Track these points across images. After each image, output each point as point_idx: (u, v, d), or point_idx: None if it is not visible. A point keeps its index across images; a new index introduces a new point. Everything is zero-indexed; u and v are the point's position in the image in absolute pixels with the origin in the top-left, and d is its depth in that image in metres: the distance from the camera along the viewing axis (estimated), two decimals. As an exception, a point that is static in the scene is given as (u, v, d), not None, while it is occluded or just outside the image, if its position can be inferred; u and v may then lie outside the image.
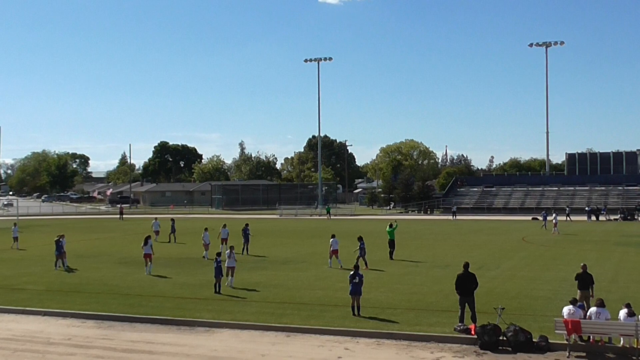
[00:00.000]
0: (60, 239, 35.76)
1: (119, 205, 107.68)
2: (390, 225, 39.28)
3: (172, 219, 53.61)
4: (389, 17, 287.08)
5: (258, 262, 36.18)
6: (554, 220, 57.96)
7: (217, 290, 26.71)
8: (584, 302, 20.38)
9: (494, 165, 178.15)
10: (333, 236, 35.64)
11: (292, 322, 21.14)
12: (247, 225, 42.42)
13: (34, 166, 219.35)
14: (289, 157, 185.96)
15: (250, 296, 26.01)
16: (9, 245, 47.13)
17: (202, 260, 37.69)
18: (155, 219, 54.00)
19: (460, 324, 19.75)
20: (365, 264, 33.77)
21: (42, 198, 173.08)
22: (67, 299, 25.82)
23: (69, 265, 35.35)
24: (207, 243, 39.28)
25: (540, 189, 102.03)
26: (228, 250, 29.84)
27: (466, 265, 20.89)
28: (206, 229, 40.25)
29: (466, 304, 20.23)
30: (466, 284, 20.42)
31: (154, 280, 30.64)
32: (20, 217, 78.68)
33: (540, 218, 66.52)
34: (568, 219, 73.34)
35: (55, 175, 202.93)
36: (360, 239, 34.78)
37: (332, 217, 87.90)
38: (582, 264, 22.17)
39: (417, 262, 36.19)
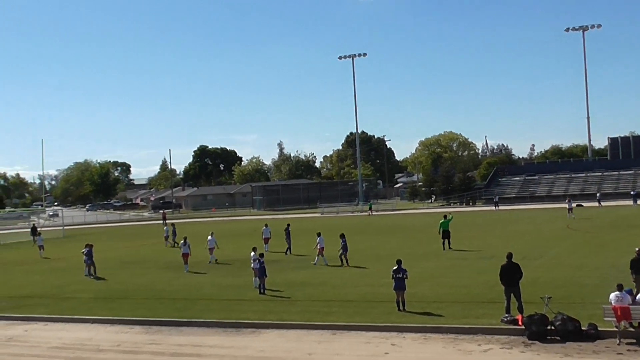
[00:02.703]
0: (89, 249, 36.19)
1: (161, 211, 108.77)
2: (445, 217, 39.71)
3: (173, 224, 54.49)
4: (421, 9, 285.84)
5: (301, 261, 36.22)
6: (568, 206, 60.59)
7: (262, 290, 26.80)
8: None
9: (535, 154, 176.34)
10: (319, 234, 35.91)
11: (338, 320, 21.12)
12: (288, 225, 42.64)
13: (77, 176, 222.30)
14: (328, 155, 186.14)
15: (295, 295, 26.04)
16: (48, 254, 48.35)
17: (245, 261, 37.77)
18: (165, 224, 55.10)
19: (506, 315, 19.55)
20: (346, 261, 34.07)
21: (86, 207, 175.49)
22: (114, 306, 26.12)
23: (95, 275, 35.83)
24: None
25: (583, 175, 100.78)
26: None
27: (509, 256, 20.66)
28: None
29: (512, 295, 20.01)
30: (511, 274, 20.19)
31: (199, 283, 30.86)
32: (65, 227, 79.97)
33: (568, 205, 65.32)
34: (600, 205, 74.02)
35: (98, 184, 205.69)
36: (342, 236, 34.83)
37: (373, 213, 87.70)
38: (637, 249, 21.66)
39: (461, 255, 35.93)
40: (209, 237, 39.11)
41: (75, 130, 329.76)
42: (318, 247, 35.36)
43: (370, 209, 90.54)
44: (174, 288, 29.94)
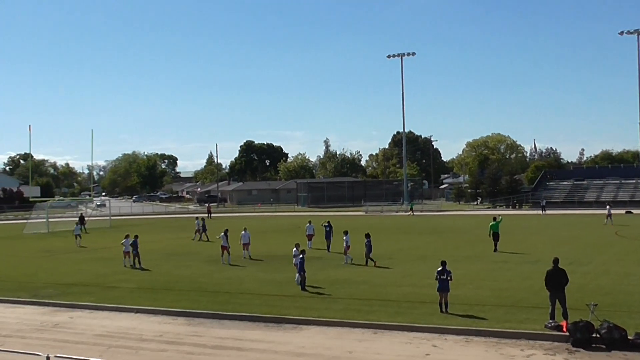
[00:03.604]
0: (135, 239, 36.65)
1: (206, 205, 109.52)
2: (494, 219, 39.93)
3: (203, 219, 55.44)
4: (471, 8, 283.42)
5: (344, 259, 36.09)
6: (607, 212, 60.61)
7: (302, 287, 26.81)
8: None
9: (585, 158, 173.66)
10: (346, 233, 36.09)
11: (379, 319, 21.04)
12: (328, 222, 42.78)
13: (125, 167, 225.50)
14: (374, 154, 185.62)
15: (337, 293, 26.01)
16: (93, 244, 49.19)
17: (286, 257, 37.81)
18: (197, 218, 55.58)
19: (551, 321, 19.27)
20: (372, 260, 33.97)
21: (133, 198, 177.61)
22: (158, 297, 26.39)
23: (140, 265, 36.19)
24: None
25: (633, 181, 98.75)
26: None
27: (556, 261, 20.35)
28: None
29: (557, 301, 19.72)
30: (556, 279, 19.89)
31: (241, 277, 31.03)
32: (112, 217, 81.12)
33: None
34: None
35: (145, 176, 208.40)
36: (367, 235, 34.69)
37: (415, 214, 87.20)
38: None
39: (506, 258, 35.54)
40: (242, 232, 39.25)
41: (124, 122, 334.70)
42: (344, 245, 35.54)
43: (411, 209, 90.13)
44: (215, 281, 30.15)
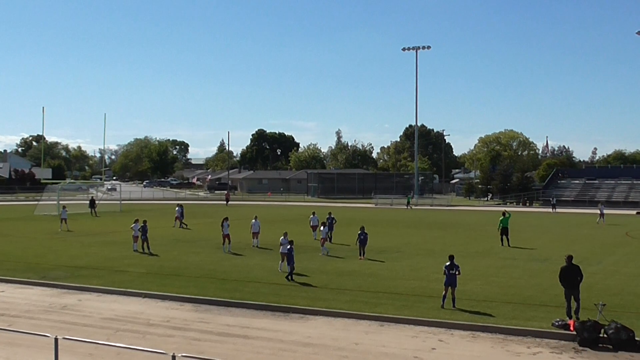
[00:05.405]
0: (144, 224, 36.66)
1: (225, 192, 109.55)
2: (504, 214, 40.54)
3: (182, 205, 55.98)
4: (488, 4, 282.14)
5: (353, 251, 36.07)
6: (600, 211, 60.95)
7: (289, 277, 26.93)
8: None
9: (597, 157, 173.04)
10: (324, 224, 37.73)
11: (386, 312, 21.06)
12: (330, 213, 43.37)
13: (136, 152, 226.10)
14: (386, 146, 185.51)
15: (344, 284, 26.03)
16: (103, 227, 49.05)
17: (295, 247, 37.86)
18: (179, 205, 55.25)
19: (558, 319, 19.24)
20: (363, 253, 34.27)
21: (144, 183, 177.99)
22: (166, 282, 26.47)
23: (149, 250, 36.15)
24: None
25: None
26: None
27: (570, 258, 20.39)
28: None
29: (572, 297, 19.79)
30: (571, 276, 19.93)
31: (249, 266, 31.08)
32: (122, 202, 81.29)
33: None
34: None
35: (156, 161, 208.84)
36: (361, 228, 35.24)
37: (412, 207, 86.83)
38: None
39: (514, 255, 35.44)
40: (253, 221, 39.25)
41: (137, 107, 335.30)
42: (322, 237, 36.48)
43: (408, 203, 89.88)
44: (224, 269, 30.20)
